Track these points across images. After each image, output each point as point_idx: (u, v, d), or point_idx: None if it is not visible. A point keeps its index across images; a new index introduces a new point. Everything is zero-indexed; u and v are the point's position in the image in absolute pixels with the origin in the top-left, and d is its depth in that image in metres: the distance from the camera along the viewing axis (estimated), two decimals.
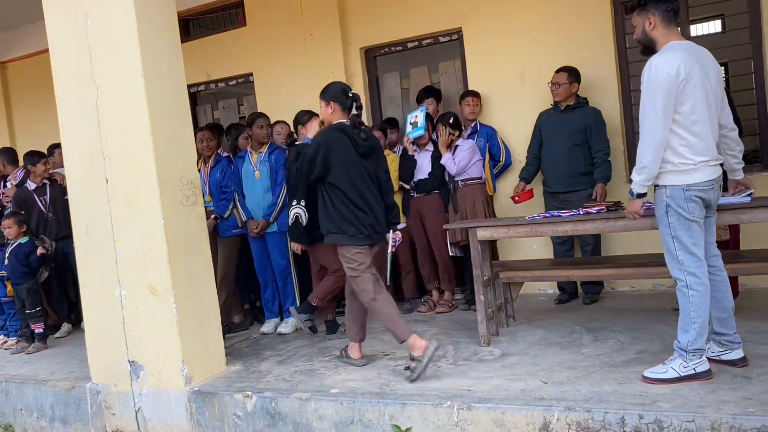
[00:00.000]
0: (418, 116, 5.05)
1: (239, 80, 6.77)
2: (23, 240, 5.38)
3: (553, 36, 5.26)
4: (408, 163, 5.14)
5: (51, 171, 5.90)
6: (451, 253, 4.96)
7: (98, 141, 3.77)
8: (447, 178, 5.03)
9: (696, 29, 8.19)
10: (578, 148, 4.82)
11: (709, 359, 3.04)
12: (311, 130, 4.10)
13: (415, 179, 5.12)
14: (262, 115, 5.10)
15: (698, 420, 2.58)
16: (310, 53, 6.10)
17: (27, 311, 5.34)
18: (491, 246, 4.41)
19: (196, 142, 4.49)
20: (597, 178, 4.78)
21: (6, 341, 5.67)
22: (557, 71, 4.88)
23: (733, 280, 3.79)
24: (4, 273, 5.44)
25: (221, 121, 6.72)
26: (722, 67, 3.26)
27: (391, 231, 3.88)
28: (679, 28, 3.05)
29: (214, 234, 5.02)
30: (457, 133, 4.99)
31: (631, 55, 5.12)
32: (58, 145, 5.68)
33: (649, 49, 3.07)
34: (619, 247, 5.12)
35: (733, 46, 5.30)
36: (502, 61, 5.45)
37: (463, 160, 4.88)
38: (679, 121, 2.90)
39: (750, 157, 4.66)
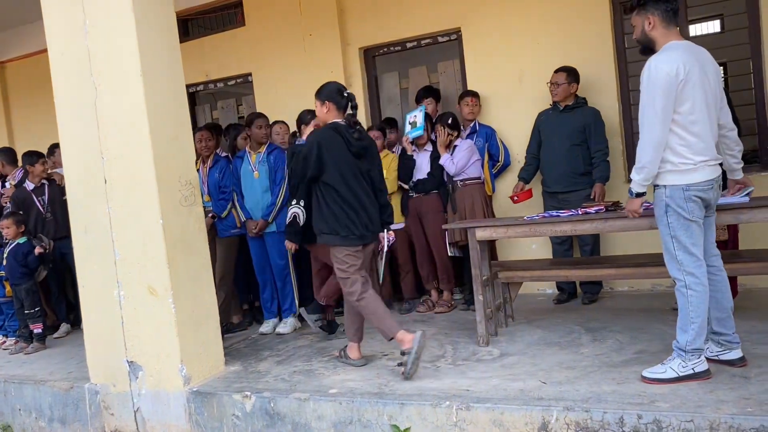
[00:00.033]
0: (417, 116, 5.05)
1: (238, 80, 6.77)
2: (21, 240, 5.37)
3: (552, 36, 5.26)
4: (407, 163, 5.14)
5: (50, 171, 5.89)
6: (450, 254, 4.97)
7: (97, 141, 3.76)
8: (446, 178, 5.03)
9: (695, 29, 8.20)
10: (577, 148, 4.82)
11: (708, 359, 3.04)
12: (309, 130, 4.11)
13: (414, 179, 5.12)
14: (261, 116, 5.10)
15: (697, 420, 2.58)
16: (309, 53, 6.10)
17: (26, 311, 5.33)
18: (490, 246, 4.41)
19: (194, 142, 4.49)
20: (596, 178, 4.78)
21: (5, 341, 5.66)
22: (556, 71, 4.88)
23: (732, 280, 3.79)
24: (2, 273, 5.44)
25: (220, 121, 6.71)
26: (721, 67, 3.26)
27: (386, 230, 3.90)
28: (678, 28, 3.05)
29: (213, 234, 5.02)
30: (455, 134, 4.99)
31: (630, 55, 5.12)
32: (58, 145, 5.68)
33: (648, 49, 3.08)
34: (618, 247, 5.12)
35: (732, 46, 5.31)
36: (501, 61, 5.45)
37: (461, 160, 4.88)
38: (679, 121, 2.90)
39: (749, 157, 4.66)
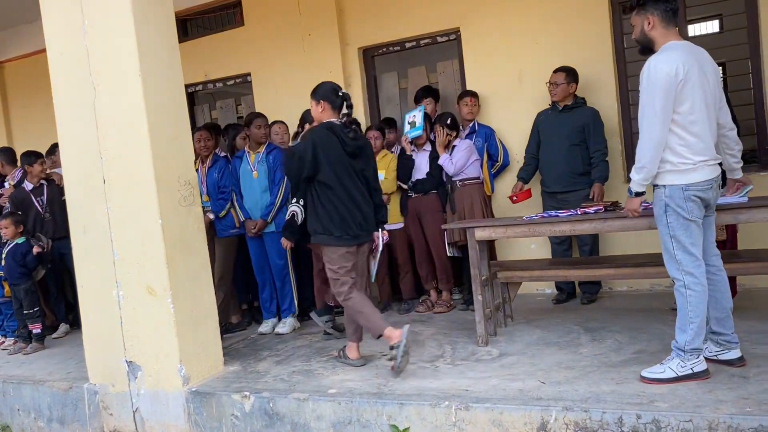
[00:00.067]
0: (416, 116, 5.05)
1: (237, 80, 6.77)
2: (20, 240, 5.37)
3: (551, 36, 5.26)
4: (406, 163, 5.14)
5: (48, 171, 5.89)
6: (448, 254, 4.97)
7: (96, 141, 3.76)
8: (444, 179, 5.03)
9: (694, 29, 8.20)
10: (576, 148, 4.82)
11: (707, 359, 3.04)
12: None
13: (413, 179, 5.12)
14: (260, 115, 5.09)
15: (696, 420, 2.59)
16: (308, 53, 6.10)
17: (25, 312, 5.33)
18: (489, 246, 4.41)
19: (193, 142, 4.48)
20: (595, 178, 4.78)
21: (3, 342, 5.66)
22: (555, 71, 4.88)
23: (732, 280, 3.79)
24: (1, 273, 5.44)
25: (219, 121, 6.71)
26: (720, 67, 3.27)
27: (380, 230, 3.93)
28: (677, 28, 3.05)
29: (212, 234, 5.01)
30: (454, 134, 4.99)
31: (629, 55, 5.12)
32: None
33: (647, 48, 3.08)
34: (617, 247, 5.12)
35: (731, 46, 5.31)
36: (500, 61, 5.45)
37: (460, 160, 4.88)
38: (678, 121, 2.90)
39: (747, 156, 4.66)
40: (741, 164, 3.25)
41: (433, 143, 5.09)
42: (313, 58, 6.05)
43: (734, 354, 3.10)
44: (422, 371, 3.60)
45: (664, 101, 2.87)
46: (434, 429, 3.05)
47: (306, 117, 4.53)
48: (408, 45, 5.95)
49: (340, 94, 3.79)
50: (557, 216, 3.75)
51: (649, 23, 3.02)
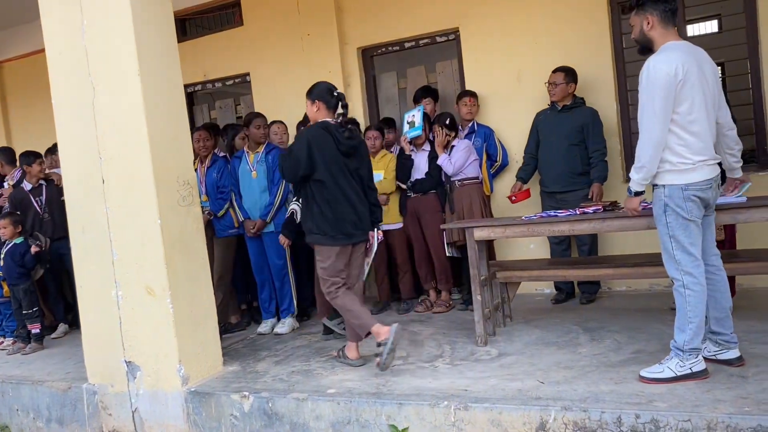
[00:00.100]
0: (415, 116, 5.05)
1: (236, 80, 6.76)
2: (18, 240, 5.36)
3: (550, 36, 5.26)
4: (405, 163, 5.14)
5: (47, 171, 5.88)
6: (447, 254, 4.97)
7: (95, 141, 3.76)
8: (443, 178, 5.03)
9: (693, 29, 8.21)
10: (575, 148, 4.82)
11: (706, 359, 3.05)
12: None
13: (412, 179, 5.12)
14: (259, 115, 5.09)
15: (694, 419, 2.59)
16: (307, 53, 6.10)
17: (24, 312, 5.33)
18: (488, 246, 4.41)
19: (192, 142, 4.48)
20: (594, 178, 4.78)
21: (2, 342, 5.66)
22: (554, 71, 4.88)
23: (731, 280, 3.79)
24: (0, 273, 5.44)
25: (218, 121, 6.70)
26: (719, 68, 3.27)
27: (375, 229, 3.96)
28: (676, 29, 3.05)
29: (211, 234, 5.01)
30: (453, 134, 4.99)
31: (628, 55, 5.13)
32: None
33: (646, 48, 3.08)
34: (616, 247, 5.12)
35: (730, 46, 5.32)
36: (499, 61, 5.45)
37: (459, 160, 4.88)
38: (677, 121, 2.91)
39: (746, 156, 4.66)
40: (741, 163, 3.26)
41: (432, 143, 5.09)
42: (312, 58, 6.05)
43: (733, 354, 3.10)
44: (421, 371, 3.60)
45: (663, 101, 2.87)
46: (433, 429, 3.05)
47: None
48: (407, 45, 5.95)
49: (335, 94, 3.82)
50: (556, 216, 3.76)
51: (648, 23, 3.02)
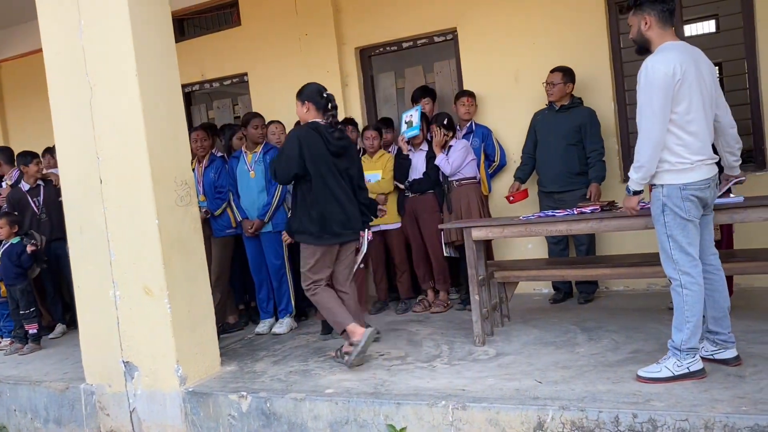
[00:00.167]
0: (413, 116, 5.06)
1: (234, 80, 6.76)
2: (14, 240, 5.35)
3: (548, 36, 5.26)
4: (403, 163, 5.15)
5: (45, 171, 5.87)
6: (445, 254, 4.97)
7: (92, 141, 3.76)
8: (441, 178, 5.03)
9: (690, 29, 8.22)
10: (573, 148, 4.82)
11: (703, 358, 3.05)
12: None
13: (410, 179, 5.13)
14: (257, 115, 5.09)
15: (692, 419, 2.59)
16: (305, 53, 6.10)
17: (21, 312, 5.32)
18: (486, 246, 4.42)
19: (190, 142, 4.47)
20: (591, 178, 4.78)
21: (0, 342, 5.64)
22: (552, 71, 4.88)
23: (728, 280, 3.80)
24: None
25: (216, 121, 6.70)
26: (716, 68, 3.28)
27: (365, 230, 3.99)
28: (673, 29, 3.06)
29: (208, 234, 5.01)
30: (450, 134, 4.99)
31: (625, 55, 5.13)
32: None
33: (644, 49, 3.09)
34: (614, 247, 5.13)
35: (727, 46, 5.32)
36: (497, 61, 5.45)
37: (456, 160, 4.88)
38: (676, 121, 2.91)
39: (743, 156, 4.67)
40: (740, 162, 3.27)
41: (429, 143, 5.09)
42: (310, 58, 6.05)
43: (730, 353, 3.11)
44: (419, 371, 3.60)
45: (662, 101, 2.87)
46: (431, 429, 3.05)
47: None
48: (405, 45, 5.95)
49: (325, 95, 3.87)
50: (554, 216, 3.76)
51: (645, 23, 3.02)
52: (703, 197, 2.97)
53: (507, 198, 4.93)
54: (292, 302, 5.03)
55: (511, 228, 3.85)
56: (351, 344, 3.74)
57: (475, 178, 5.01)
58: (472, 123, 5.37)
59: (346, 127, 5.27)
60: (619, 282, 5.18)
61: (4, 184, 6.04)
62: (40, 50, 3.91)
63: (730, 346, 3.12)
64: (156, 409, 3.77)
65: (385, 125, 5.53)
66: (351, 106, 6.02)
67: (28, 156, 5.71)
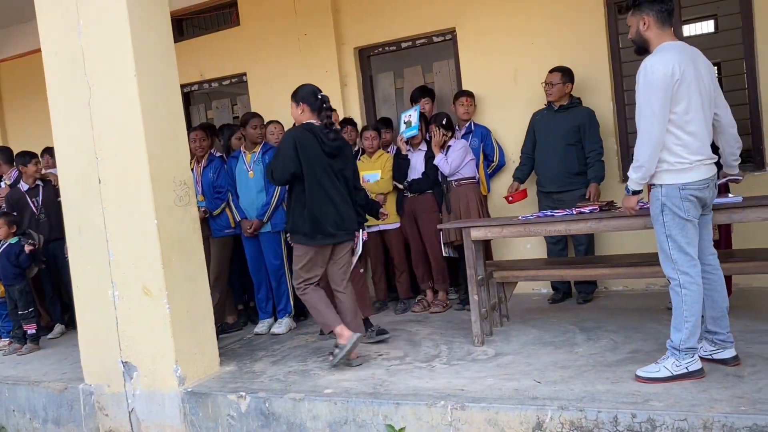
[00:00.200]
0: (411, 116, 5.06)
1: (233, 80, 6.76)
2: (13, 240, 5.35)
3: (547, 36, 5.27)
4: (401, 163, 5.15)
5: (44, 171, 5.87)
6: (444, 254, 4.97)
7: (91, 141, 3.76)
8: (440, 178, 5.03)
9: (689, 29, 8.23)
10: (572, 148, 4.82)
11: (702, 358, 3.05)
12: None
13: (409, 179, 5.13)
14: (256, 116, 5.10)
15: (690, 419, 2.59)
16: (304, 53, 6.09)
17: (19, 312, 5.32)
18: (485, 246, 4.42)
19: (189, 142, 4.47)
20: (590, 178, 4.78)
21: None
22: (551, 71, 4.88)
23: (727, 279, 3.80)
24: None
25: (215, 121, 6.71)
26: (715, 68, 3.28)
27: (360, 230, 4.01)
28: (672, 29, 3.06)
29: (207, 234, 5.01)
30: (449, 134, 4.99)
31: (624, 55, 5.13)
32: None
33: (642, 49, 3.09)
34: (613, 247, 5.13)
35: (726, 46, 5.33)
36: (496, 61, 5.45)
37: (455, 160, 4.88)
38: (674, 121, 2.91)
39: (742, 156, 4.67)
40: (739, 161, 3.28)
41: (428, 143, 5.10)
42: (309, 58, 6.05)
43: (729, 353, 3.11)
44: (418, 371, 3.60)
45: (662, 101, 2.88)
46: (430, 429, 3.05)
47: None
48: (404, 45, 5.95)
49: (319, 96, 3.89)
50: (553, 216, 3.76)
51: (644, 24, 3.03)
52: (702, 197, 2.97)
53: (506, 198, 4.93)
54: (291, 302, 5.03)
55: (509, 228, 3.85)
56: (336, 346, 3.78)
57: (474, 178, 5.02)
58: (471, 123, 5.37)
59: (345, 128, 5.29)
60: (618, 282, 5.19)
61: (3, 184, 6.04)
62: (39, 50, 3.90)
63: (728, 345, 3.12)
64: (155, 409, 3.76)
65: (384, 125, 5.53)
66: (350, 106, 6.03)
67: (27, 156, 5.70)
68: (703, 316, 3.05)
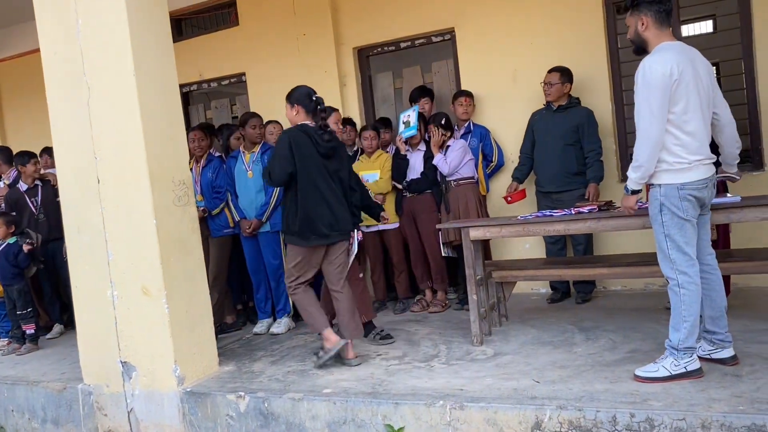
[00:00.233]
0: (410, 116, 5.06)
1: (232, 80, 6.76)
2: (11, 240, 5.34)
3: (546, 36, 5.27)
4: (400, 163, 5.15)
5: (43, 171, 5.87)
6: (443, 254, 4.97)
7: (90, 141, 3.75)
8: (439, 178, 5.03)
9: (687, 29, 8.24)
10: (571, 148, 4.83)
11: (700, 358, 3.06)
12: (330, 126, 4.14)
13: (408, 179, 5.13)
14: (255, 115, 5.10)
15: (689, 418, 2.60)
16: (303, 53, 6.09)
17: (18, 312, 5.31)
18: (484, 246, 4.42)
19: (187, 141, 4.47)
20: (589, 178, 4.79)
21: None
22: (549, 71, 4.89)
23: (725, 279, 3.81)
24: None
25: (214, 121, 6.70)
26: (714, 67, 3.28)
27: (355, 231, 4.03)
28: (670, 29, 3.06)
29: (206, 234, 5.01)
30: (448, 134, 5.00)
31: (623, 55, 5.14)
32: None
33: (641, 49, 3.09)
34: (611, 247, 5.13)
35: (724, 46, 5.33)
36: (495, 61, 5.45)
37: (454, 160, 4.89)
38: (673, 121, 2.92)
39: (741, 156, 4.68)
40: (738, 161, 3.28)
41: (427, 143, 5.10)
42: (308, 58, 6.05)
43: (727, 353, 3.11)
44: (417, 371, 3.61)
45: (660, 101, 2.88)
46: (429, 428, 3.06)
47: None
48: (403, 45, 5.95)
49: (314, 98, 3.91)
50: (551, 216, 3.76)
51: (642, 24, 3.03)
52: (701, 197, 2.97)
53: (505, 198, 4.93)
54: (290, 302, 5.02)
55: (508, 228, 3.85)
56: (322, 348, 3.84)
57: (473, 178, 5.02)
58: (470, 123, 5.37)
59: (345, 128, 5.29)
60: (617, 282, 5.19)
61: (1, 184, 6.03)
62: (38, 50, 3.90)
63: (727, 345, 3.12)
64: (154, 409, 3.76)
65: (383, 125, 5.54)
66: (349, 106, 6.03)
67: (26, 156, 5.70)
68: (701, 316, 3.06)
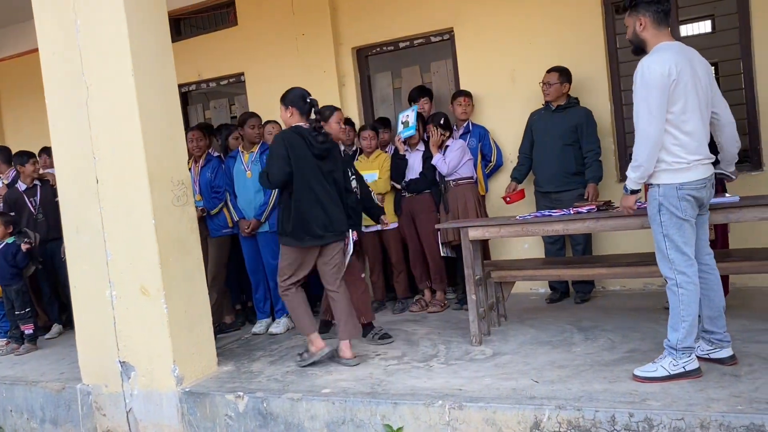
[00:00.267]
0: (409, 116, 5.06)
1: (230, 80, 6.76)
2: (9, 240, 5.34)
3: (544, 36, 5.27)
4: (399, 163, 5.15)
5: (42, 171, 5.86)
6: (442, 254, 4.97)
7: (88, 141, 3.75)
8: (438, 178, 5.04)
9: (686, 29, 8.24)
10: (569, 148, 4.83)
11: (699, 357, 3.06)
12: (332, 126, 4.12)
13: (407, 179, 5.13)
14: (254, 115, 5.10)
15: (687, 418, 2.60)
16: (302, 53, 6.09)
17: (16, 312, 5.31)
18: (483, 245, 4.42)
19: (186, 141, 4.47)
20: (588, 178, 4.79)
21: None
22: (548, 71, 4.89)
23: (724, 279, 3.81)
24: None
25: (212, 121, 6.70)
26: (712, 67, 3.28)
27: (350, 231, 4.04)
28: (669, 29, 3.07)
29: (205, 234, 5.01)
30: (447, 134, 5.00)
31: (621, 55, 5.14)
32: None
33: (639, 49, 3.10)
34: (610, 247, 5.14)
35: (723, 46, 5.34)
36: (494, 61, 5.46)
37: (453, 160, 4.89)
38: (671, 121, 2.92)
39: (739, 156, 4.69)
40: (736, 160, 3.29)
41: (426, 143, 5.10)
42: (306, 58, 6.05)
43: (726, 352, 3.12)
44: (416, 371, 3.61)
45: (659, 101, 2.88)
46: (428, 428, 3.06)
47: (321, 113, 4.51)
48: (402, 45, 5.95)
49: (308, 100, 3.92)
50: (550, 215, 3.76)
51: (641, 24, 3.03)
52: (700, 197, 2.98)
53: (504, 198, 4.93)
54: None
55: (507, 228, 3.85)
56: (307, 350, 3.93)
57: (471, 178, 5.02)
58: (468, 123, 5.37)
59: (344, 127, 5.29)
60: (616, 282, 5.19)
61: (0, 183, 6.02)
62: (37, 50, 3.90)
63: (725, 345, 3.12)
64: (152, 409, 3.76)
65: (382, 125, 5.54)
66: (348, 106, 6.03)
67: (25, 156, 5.69)
68: (700, 316, 3.06)
